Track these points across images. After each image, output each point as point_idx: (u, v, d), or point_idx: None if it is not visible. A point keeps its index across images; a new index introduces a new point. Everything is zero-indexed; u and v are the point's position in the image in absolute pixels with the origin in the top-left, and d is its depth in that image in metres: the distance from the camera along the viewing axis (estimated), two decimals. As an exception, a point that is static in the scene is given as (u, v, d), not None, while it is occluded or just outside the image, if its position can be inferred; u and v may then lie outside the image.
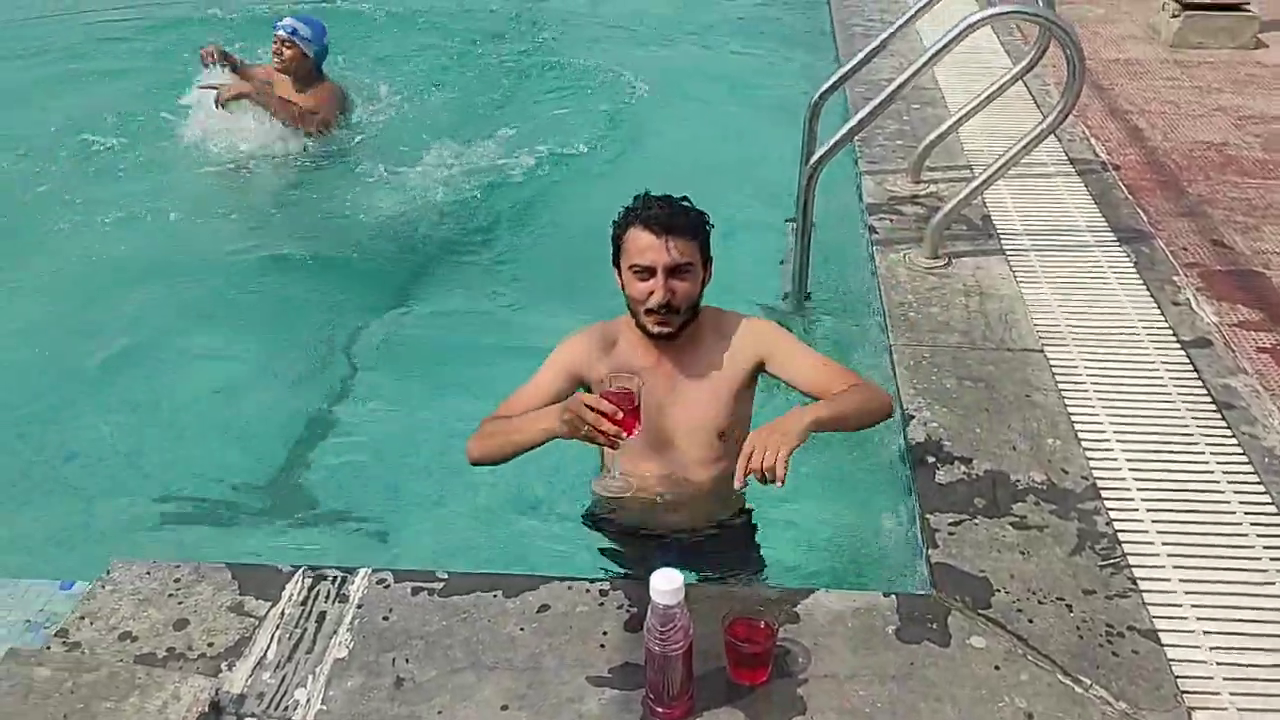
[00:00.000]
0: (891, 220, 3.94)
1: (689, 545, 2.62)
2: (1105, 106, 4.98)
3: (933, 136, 4.13)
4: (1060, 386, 2.97)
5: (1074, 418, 2.85)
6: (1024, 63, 4.03)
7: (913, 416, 2.86)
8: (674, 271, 2.36)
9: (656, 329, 2.41)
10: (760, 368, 2.53)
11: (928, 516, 2.52)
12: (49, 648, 2.17)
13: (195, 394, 3.59)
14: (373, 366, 3.80)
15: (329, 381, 3.67)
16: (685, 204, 2.45)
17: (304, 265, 4.42)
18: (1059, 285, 3.48)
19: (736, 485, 2.17)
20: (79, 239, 4.57)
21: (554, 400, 2.40)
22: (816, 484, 2.87)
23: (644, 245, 2.36)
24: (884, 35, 4.04)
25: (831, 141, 3.54)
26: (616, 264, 2.47)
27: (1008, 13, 3.40)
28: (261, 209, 4.88)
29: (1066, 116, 3.40)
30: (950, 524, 2.49)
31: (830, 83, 4.01)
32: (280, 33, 5.26)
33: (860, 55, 4.05)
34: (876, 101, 3.42)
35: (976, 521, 2.50)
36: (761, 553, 2.71)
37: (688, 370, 2.49)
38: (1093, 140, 4.59)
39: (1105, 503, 2.55)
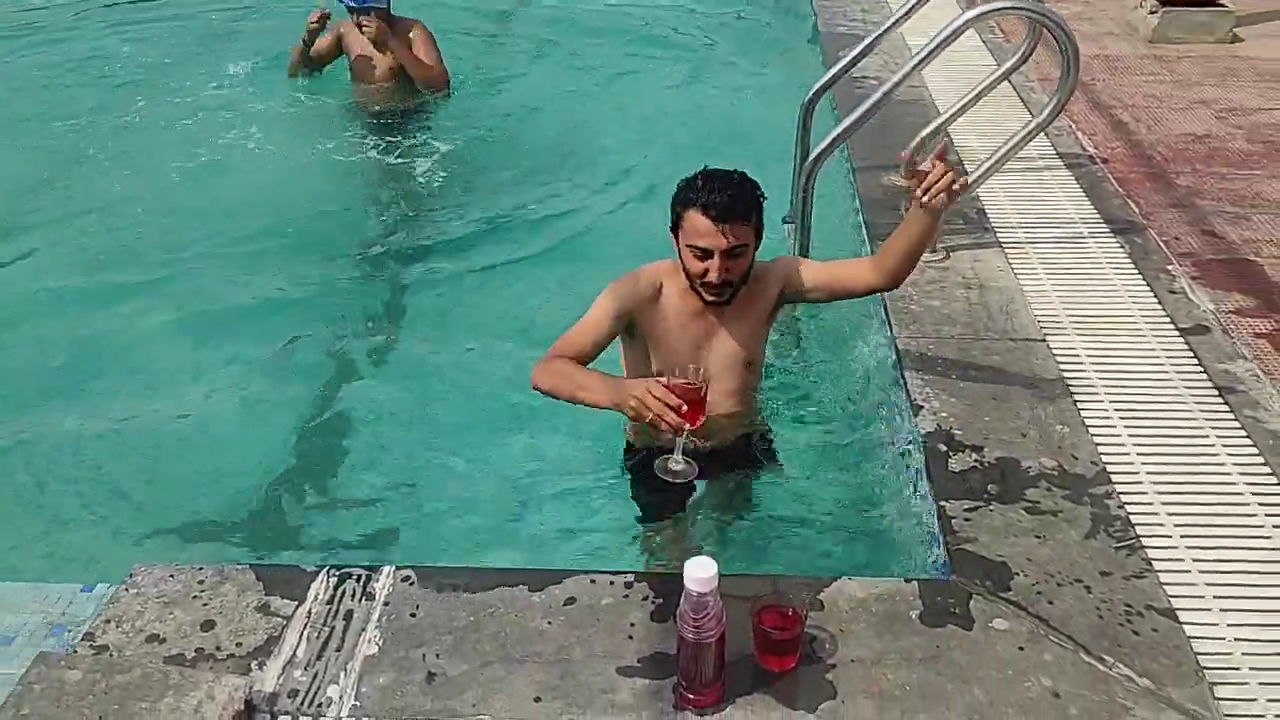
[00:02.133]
0: (887, 216, 3.97)
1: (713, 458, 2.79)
2: (1089, 101, 5.04)
3: (927, 132, 4.15)
4: (1064, 375, 3.01)
5: (1080, 405, 2.89)
6: (1016, 57, 4.06)
7: (921, 406, 2.90)
8: (730, 253, 2.53)
9: (711, 298, 2.61)
10: (781, 298, 2.77)
11: (943, 504, 2.55)
12: (76, 651, 2.17)
13: (212, 391, 3.58)
14: (395, 361, 3.81)
15: (350, 377, 3.68)
16: (741, 182, 2.56)
17: (332, 248, 4.45)
18: (1057, 276, 3.53)
19: (920, 198, 2.48)
20: (111, 212, 4.62)
21: (607, 338, 2.60)
22: (831, 476, 2.91)
23: (702, 230, 2.50)
24: (873, 35, 4.07)
25: (829, 139, 3.57)
26: (674, 232, 2.61)
27: (1007, 9, 3.44)
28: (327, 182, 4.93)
29: (1061, 110, 3.46)
30: (966, 510, 2.52)
31: (822, 83, 4.05)
32: (352, 4, 5.13)
33: (850, 55, 4.08)
34: (875, 98, 3.45)
35: (991, 508, 2.53)
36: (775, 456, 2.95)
37: (725, 314, 2.70)
38: (1079, 135, 4.65)
39: (1116, 487, 2.59)
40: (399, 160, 5.19)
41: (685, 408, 2.20)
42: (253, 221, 4.62)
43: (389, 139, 5.34)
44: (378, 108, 5.50)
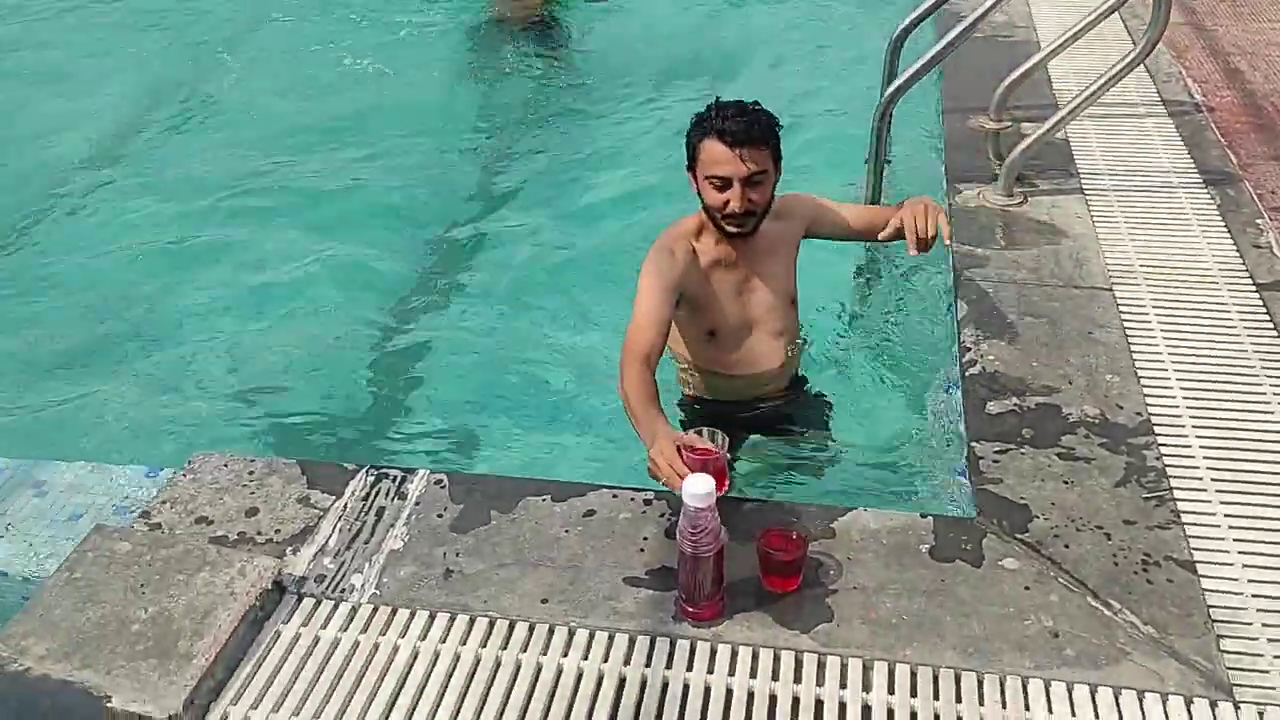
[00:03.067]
0: (969, 157, 3.89)
1: (769, 412, 2.90)
2: (1206, 47, 4.80)
3: (1017, 74, 4.05)
4: (1125, 325, 2.94)
5: (1135, 355, 2.82)
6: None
7: (969, 348, 2.87)
8: (749, 181, 2.51)
9: (735, 230, 2.59)
10: (804, 233, 2.81)
11: (974, 445, 2.54)
12: (133, 527, 2.35)
13: (287, 293, 3.78)
14: (458, 280, 3.94)
15: (414, 291, 3.83)
16: (756, 110, 2.55)
17: (416, 169, 4.59)
18: (1136, 225, 3.42)
19: (911, 253, 2.60)
20: (198, 130, 4.88)
21: (669, 317, 2.54)
22: (869, 409, 2.92)
23: (720, 158, 2.49)
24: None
25: (906, 75, 3.52)
26: (691, 170, 2.61)
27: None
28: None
29: (1150, 51, 3.32)
30: (996, 452, 2.51)
31: (914, 16, 3.96)
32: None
33: (946, -12, 3.99)
34: (953, 34, 3.38)
35: (1023, 451, 2.51)
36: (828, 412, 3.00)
37: (759, 253, 2.71)
38: (1189, 81, 4.44)
39: (1158, 438, 2.54)
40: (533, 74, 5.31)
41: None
42: (356, 134, 4.82)
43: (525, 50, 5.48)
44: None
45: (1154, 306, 3.02)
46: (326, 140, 4.86)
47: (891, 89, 3.55)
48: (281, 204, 4.34)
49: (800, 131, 4.39)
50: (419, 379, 3.37)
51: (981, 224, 3.45)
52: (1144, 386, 2.71)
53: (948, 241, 2.61)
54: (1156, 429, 2.57)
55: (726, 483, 2.21)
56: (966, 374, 2.78)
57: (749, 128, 2.48)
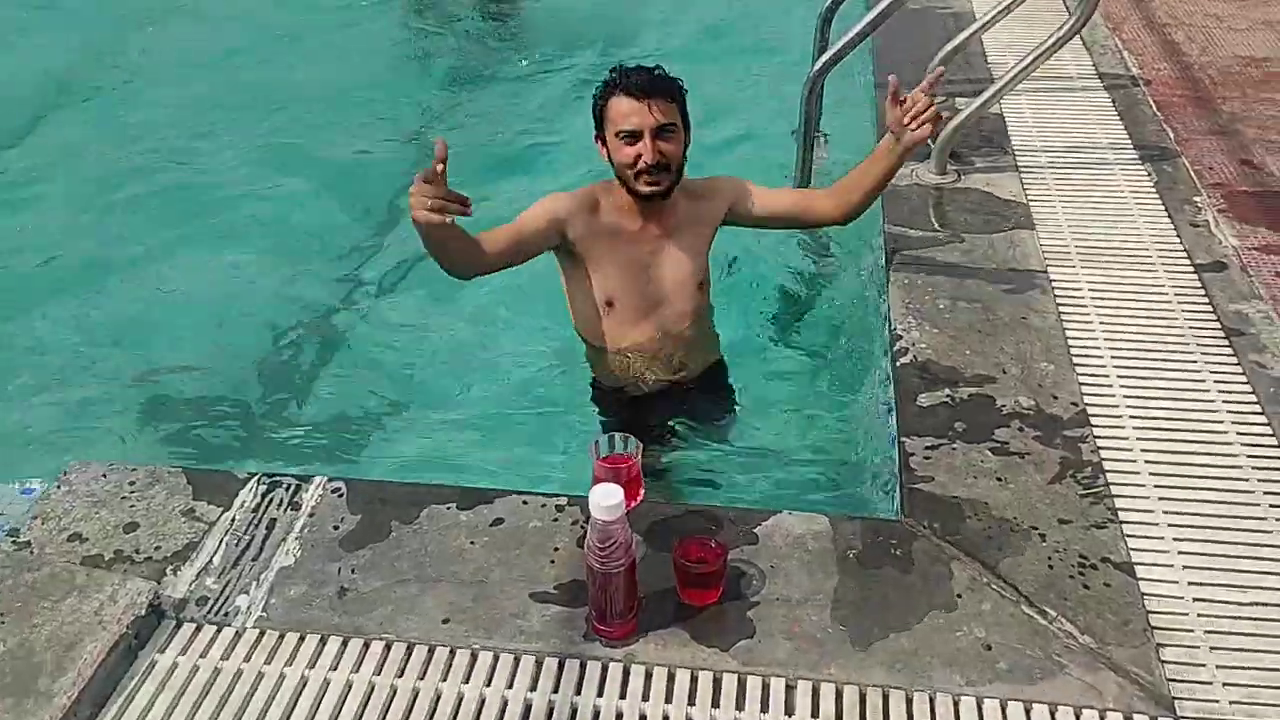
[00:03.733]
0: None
1: (678, 393, 2.81)
2: (1143, 18, 4.72)
3: (950, 47, 3.92)
4: (1061, 309, 2.83)
5: (1071, 342, 2.72)
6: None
7: (900, 336, 2.75)
8: (659, 133, 2.50)
9: (649, 189, 2.54)
10: (724, 218, 2.75)
11: (904, 440, 2.42)
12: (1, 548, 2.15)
13: (172, 289, 3.55)
14: (366, 270, 3.74)
15: (317, 285, 3.62)
16: (657, 68, 2.56)
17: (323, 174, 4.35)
18: (1072, 204, 3.32)
19: (911, 127, 2.54)
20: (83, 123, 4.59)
21: (531, 238, 2.55)
22: (797, 405, 2.79)
23: (628, 110, 2.49)
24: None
25: (836, 48, 3.38)
26: (600, 136, 2.59)
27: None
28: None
29: (1084, 24, 3.21)
30: (927, 448, 2.39)
31: (843, -12, 3.82)
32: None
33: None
34: (883, 5, 3.24)
35: (954, 446, 2.39)
36: (735, 397, 2.92)
37: (670, 231, 2.66)
38: (1125, 54, 4.35)
39: (1094, 429, 2.44)
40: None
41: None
42: (266, 109, 4.57)
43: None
44: None
45: (1090, 290, 2.92)
46: (228, 118, 4.61)
47: (820, 63, 3.41)
48: (165, 187, 4.08)
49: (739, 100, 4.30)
50: (318, 375, 3.18)
51: (914, 204, 3.32)
52: (1079, 375, 2.61)
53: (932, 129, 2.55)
54: (1093, 420, 2.47)
55: (640, 493, 2.07)
56: (897, 364, 2.66)
57: (653, 81, 2.50)
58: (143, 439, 2.91)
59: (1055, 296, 2.89)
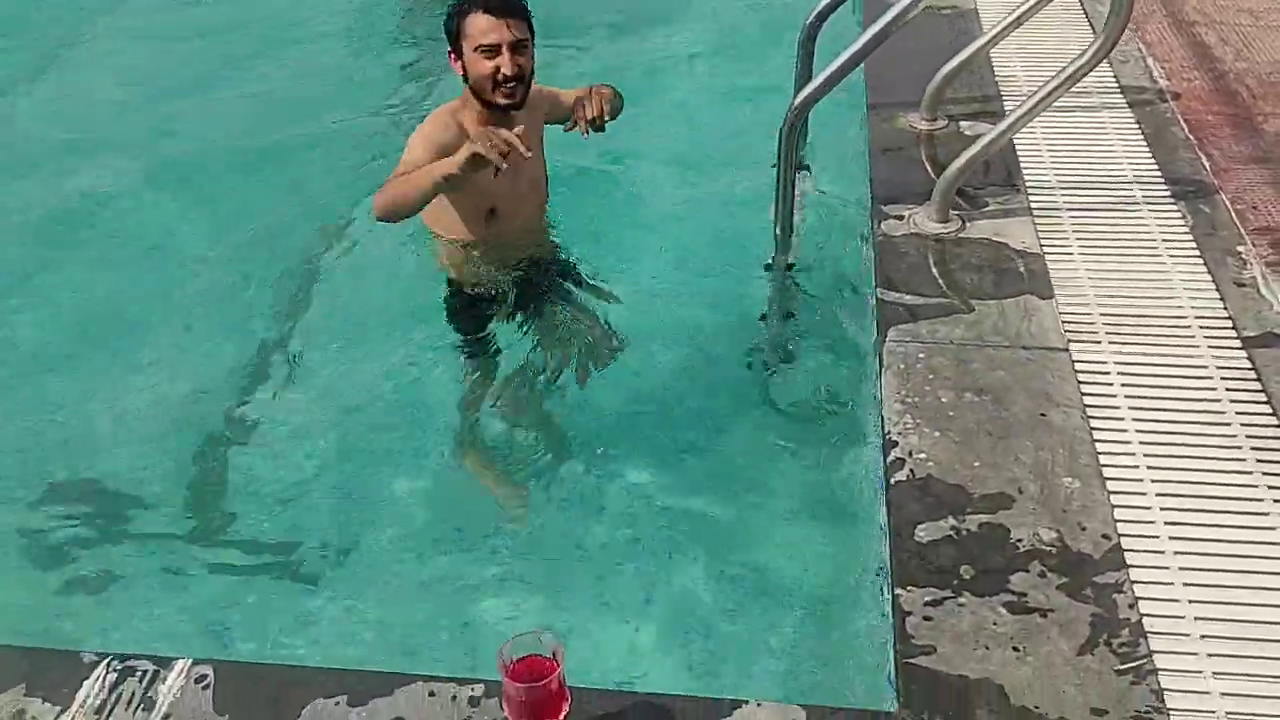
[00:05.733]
0: (898, 168, 3.31)
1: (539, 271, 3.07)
2: (1169, 17, 4.23)
3: (954, 64, 3.45)
4: (1086, 401, 2.39)
5: (1100, 445, 2.27)
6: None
7: (895, 443, 2.30)
8: (516, 47, 2.71)
9: (506, 101, 2.74)
10: (545, 120, 2.99)
11: (900, 592, 1.98)
12: None
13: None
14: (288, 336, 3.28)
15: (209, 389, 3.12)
16: None
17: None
18: (1094, 257, 2.86)
19: (584, 137, 2.73)
20: None
21: None
22: (769, 536, 2.35)
23: (487, 27, 2.69)
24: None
25: (820, 79, 2.91)
26: (457, 52, 2.76)
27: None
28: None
29: (1113, 46, 2.74)
30: (928, 603, 1.95)
31: (827, 2, 3.35)
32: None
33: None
34: (872, 32, 2.78)
35: (961, 601, 1.96)
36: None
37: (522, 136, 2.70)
38: (1150, 60, 3.87)
39: (1131, 573, 1.99)
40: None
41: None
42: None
43: None
44: None
45: (1120, 373, 2.47)
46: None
47: (801, 96, 2.94)
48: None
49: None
50: (206, 505, 2.69)
51: (911, 261, 2.87)
52: (1111, 492, 2.16)
53: (603, 126, 2.72)
54: (1130, 559, 2.02)
55: (565, 707, 1.65)
56: (892, 480, 2.22)
57: (509, 2, 2.71)
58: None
59: (1079, 383, 2.44)
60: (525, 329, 3.00)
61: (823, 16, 3.36)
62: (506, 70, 2.69)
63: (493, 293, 2.97)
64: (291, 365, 3.13)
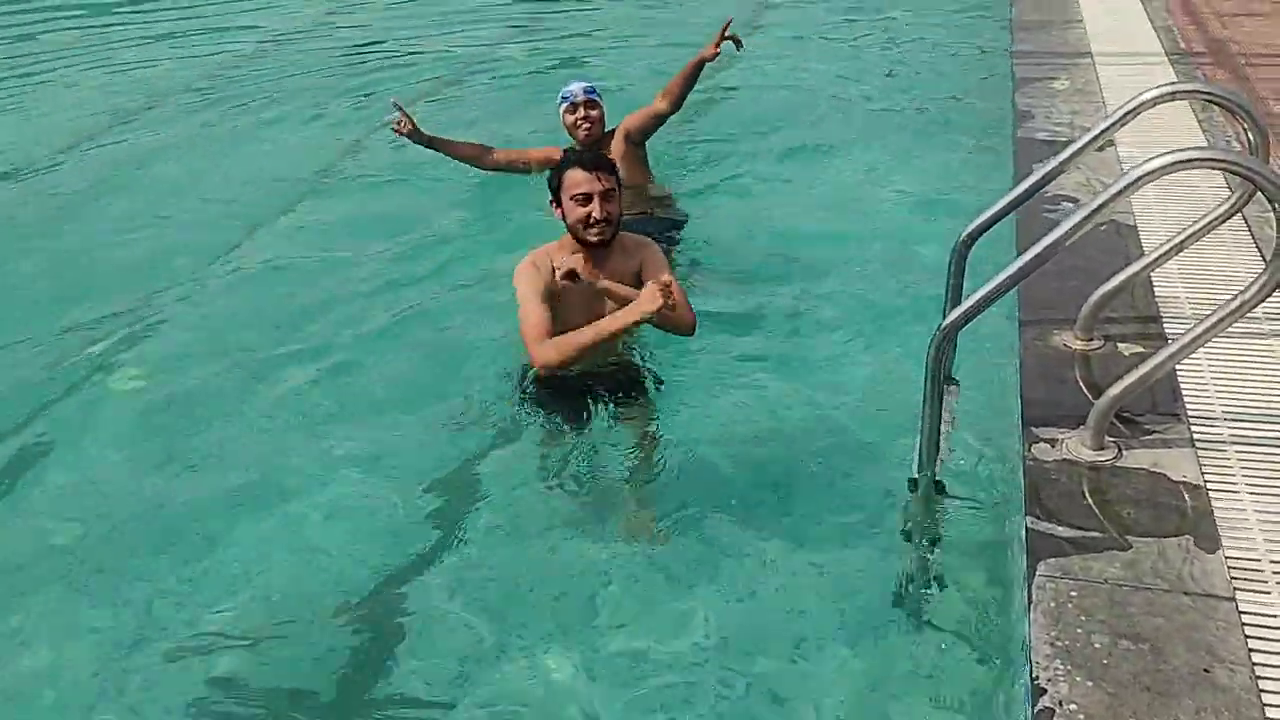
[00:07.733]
0: (1050, 389, 3.24)
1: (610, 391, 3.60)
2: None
3: (1114, 284, 3.40)
4: (1255, 660, 2.23)
5: (1270, 711, 2.11)
6: (1235, 197, 3.30)
7: (1044, 690, 2.19)
8: (604, 195, 3.40)
9: (597, 239, 3.43)
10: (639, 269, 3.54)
11: None
12: None
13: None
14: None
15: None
16: (599, 152, 3.79)
17: None
18: (1265, 498, 2.72)
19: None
20: None
21: (550, 318, 3.35)
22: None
23: (580, 180, 3.40)
24: (1062, 156, 3.38)
25: (972, 300, 2.88)
26: (557, 201, 3.48)
27: (1205, 160, 2.71)
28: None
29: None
30: None
31: (984, 218, 3.37)
32: (578, 93, 4.67)
33: (1023, 185, 3.40)
34: (1031, 254, 2.76)
35: None
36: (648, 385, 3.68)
37: (608, 271, 3.44)
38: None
39: None
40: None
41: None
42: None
43: None
44: None
45: (1293, 628, 2.31)
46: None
47: (953, 315, 2.92)
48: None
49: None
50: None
51: (1063, 490, 2.78)
52: (1284, 768, 2.00)
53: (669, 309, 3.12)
54: None
55: None
56: (1039, 732, 2.10)
57: (598, 159, 3.50)
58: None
59: (1247, 637, 2.29)
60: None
61: (975, 236, 3.37)
62: (597, 213, 3.37)
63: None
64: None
